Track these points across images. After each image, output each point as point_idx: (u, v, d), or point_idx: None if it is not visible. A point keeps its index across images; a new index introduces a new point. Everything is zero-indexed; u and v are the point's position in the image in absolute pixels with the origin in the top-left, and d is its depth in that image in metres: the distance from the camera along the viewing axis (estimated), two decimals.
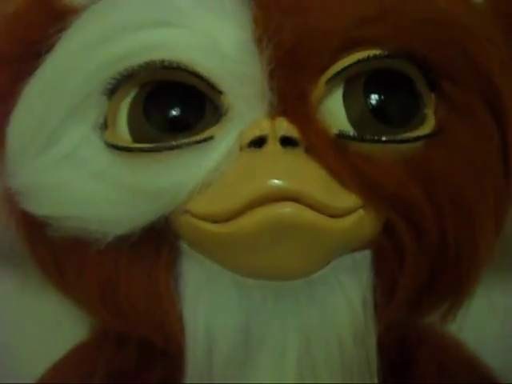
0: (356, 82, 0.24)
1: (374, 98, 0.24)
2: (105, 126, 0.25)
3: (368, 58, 0.24)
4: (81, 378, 0.32)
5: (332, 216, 0.23)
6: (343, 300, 0.25)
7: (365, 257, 0.25)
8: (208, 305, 0.25)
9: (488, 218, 0.26)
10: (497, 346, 0.39)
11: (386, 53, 0.24)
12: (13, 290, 0.40)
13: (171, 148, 0.24)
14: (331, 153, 0.23)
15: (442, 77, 0.25)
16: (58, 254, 0.27)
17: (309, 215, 0.23)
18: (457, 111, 0.25)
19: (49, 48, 0.26)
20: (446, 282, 0.26)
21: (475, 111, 0.25)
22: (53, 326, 0.37)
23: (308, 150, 0.23)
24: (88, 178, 0.24)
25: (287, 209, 0.23)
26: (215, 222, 0.23)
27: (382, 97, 0.24)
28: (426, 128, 0.25)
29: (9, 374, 0.40)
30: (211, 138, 0.24)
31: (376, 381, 0.26)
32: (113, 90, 0.25)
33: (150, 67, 0.24)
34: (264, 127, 0.23)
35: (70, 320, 0.35)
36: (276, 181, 0.23)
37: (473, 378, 0.33)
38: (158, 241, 0.25)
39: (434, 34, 0.25)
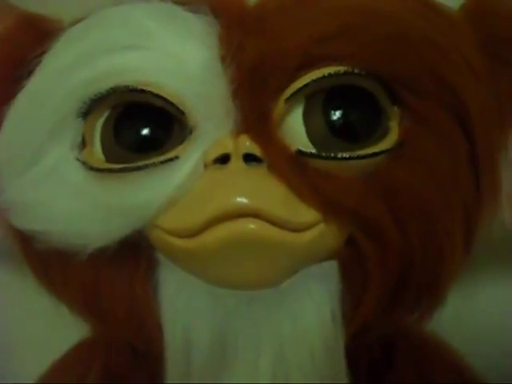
0: (316, 100, 0.25)
1: (333, 114, 0.25)
2: (82, 145, 0.26)
3: (326, 76, 0.24)
4: (77, 377, 0.33)
5: (293, 230, 0.24)
6: (312, 307, 0.26)
7: (331, 266, 0.26)
8: (184, 311, 0.26)
9: (456, 231, 0.26)
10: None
11: (345, 70, 0.24)
12: (14, 290, 0.41)
13: (140, 168, 0.25)
14: (291, 170, 0.24)
15: (404, 90, 0.25)
16: (46, 264, 0.28)
17: (269, 231, 0.24)
18: (421, 124, 0.25)
19: (33, 69, 0.27)
20: (413, 291, 0.27)
21: (440, 124, 0.26)
22: (53, 325, 0.39)
23: (270, 167, 0.24)
24: (67, 195, 0.26)
25: (249, 225, 0.23)
26: (181, 237, 0.24)
27: (342, 113, 0.25)
28: (388, 141, 0.25)
29: (9, 373, 0.42)
30: (177, 157, 0.25)
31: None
32: (87, 112, 0.26)
33: (117, 91, 0.25)
34: (227, 145, 0.24)
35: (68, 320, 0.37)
36: (238, 198, 0.23)
37: (452, 379, 0.33)
38: (135, 252, 0.27)
39: (396, 50, 0.25)
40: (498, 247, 0.35)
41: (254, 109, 0.24)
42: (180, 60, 0.25)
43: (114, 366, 0.32)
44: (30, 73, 0.27)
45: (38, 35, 0.28)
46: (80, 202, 0.25)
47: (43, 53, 0.27)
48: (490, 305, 0.39)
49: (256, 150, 0.24)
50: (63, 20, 0.31)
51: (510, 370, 0.37)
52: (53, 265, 0.28)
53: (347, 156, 0.24)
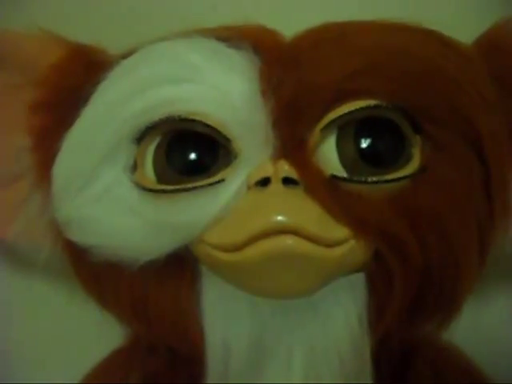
0: (347, 129, 0.27)
1: (363, 142, 0.27)
2: (134, 168, 0.29)
3: (357, 109, 0.27)
4: (119, 380, 0.35)
5: (326, 246, 0.26)
6: (341, 315, 0.29)
7: (359, 279, 0.28)
8: (224, 319, 0.29)
9: (471, 247, 0.29)
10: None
11: (374, 104, 0.27)
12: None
13: (189, 190, 0.27)
14: (325, 192, 0.27)
15: (425, 121, 0.28)
16: (98, 276, 0.31)
17: (305, 246, 0.26)
18: (441, 151, 0.28)
19: (87, 97, 0.30)
20: (432, 302, 0.30)
21: (458, 151, 0.28)
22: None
23: (306, 189, 0.27)
24: (120, 213, 0.28)
25: (287, 241, 0.26)
26: (226, 251, 0.27)
27: (371, 141, 0.27)
28: (411, 167, 0.28)
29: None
30: (223, 180, 0.27)
31: None
32: (140, 139, 0.28)
33: (169, 120, 0.27)
34: (268, 169, 0.27)
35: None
36: (278, 217, 0.26)
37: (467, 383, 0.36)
38: (181, 264, 0.29)
39: (417, 85, 0.28)
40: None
41: (291, 137, 0.27)
42: (225, 92, 0.27)
43: (153, 368, 0.34)
44: (84, 101, 0.30)
45: (88, 65, 0.31)
46: (132, 220, 0.28)
47: (95, 82, 0.29)
48: (502, 315, 0.41)
49: (293, 174, 0.27)
50: (108, 49, 0.34)
51: None
52: (104, 277, 0.30)
53: (375, 180, 0.27)
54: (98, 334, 0.39)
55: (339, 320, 0.29)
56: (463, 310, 0.32)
